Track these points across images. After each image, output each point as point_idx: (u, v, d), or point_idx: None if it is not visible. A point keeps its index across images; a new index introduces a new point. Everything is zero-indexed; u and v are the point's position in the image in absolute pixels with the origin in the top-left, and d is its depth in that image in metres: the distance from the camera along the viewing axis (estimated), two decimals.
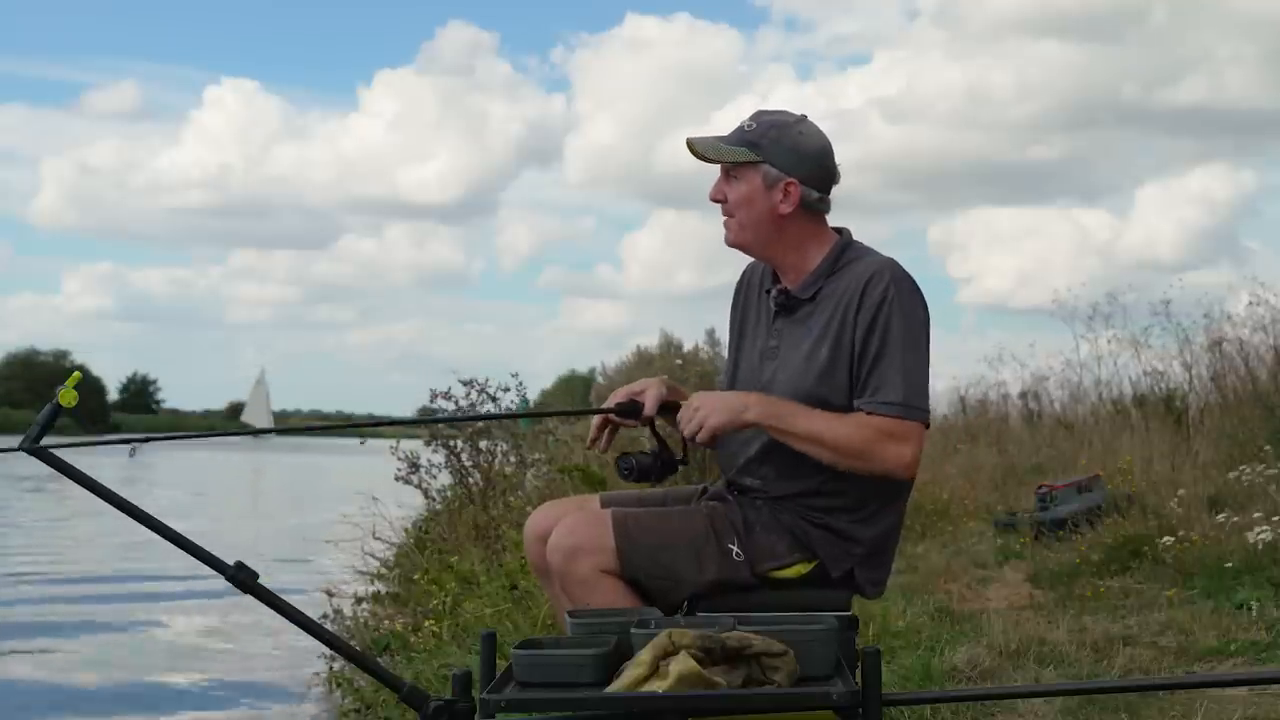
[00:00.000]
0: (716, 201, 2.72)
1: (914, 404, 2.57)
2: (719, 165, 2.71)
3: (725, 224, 2.73)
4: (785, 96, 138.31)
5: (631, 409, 2.75)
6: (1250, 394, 9.33)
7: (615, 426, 2.82)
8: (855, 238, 2.77)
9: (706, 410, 2.58)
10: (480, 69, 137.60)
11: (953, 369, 16.88)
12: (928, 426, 2.62)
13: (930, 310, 2.66)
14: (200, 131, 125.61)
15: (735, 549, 2.60)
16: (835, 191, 2.74)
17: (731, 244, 2.76)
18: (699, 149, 2.69)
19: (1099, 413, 11.86)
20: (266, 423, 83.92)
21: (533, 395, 9.19)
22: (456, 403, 7.46)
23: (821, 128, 2.74)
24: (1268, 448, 7.24)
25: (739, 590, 2.60)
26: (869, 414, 2.55)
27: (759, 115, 2.71)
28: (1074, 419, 12.40)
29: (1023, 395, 14.04)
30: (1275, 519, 5.77)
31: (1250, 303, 9.99)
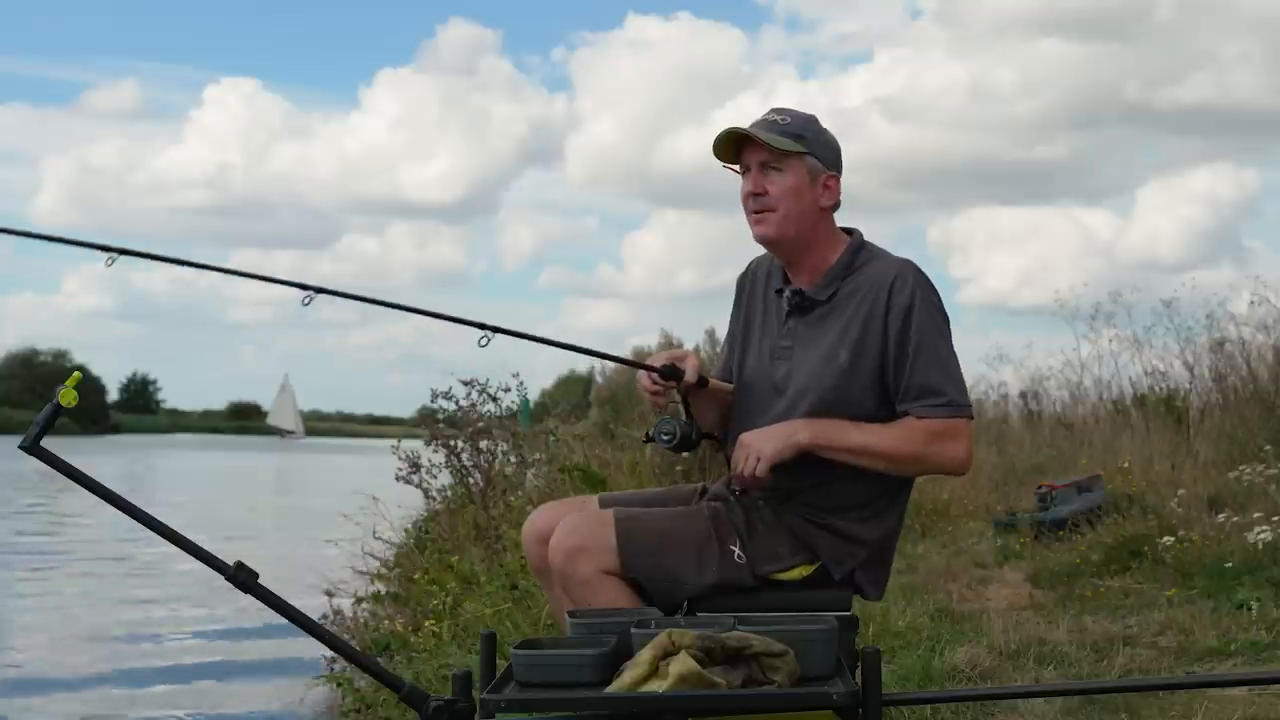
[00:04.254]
0: (757, 195, 2.64)
1: (959, 401, 2.58)
2: (748, 162, 2.65)
3: (763, 219, 2.65)
4: (787, 95, 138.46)
5: (674, 372, 2.71)
6: (1251, 394, 9.33)
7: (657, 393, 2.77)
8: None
9: (758, 445, 2.56)
10: (482, 68, 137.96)
11: None
12: (972, 419, 2.63)
13: None
14: (201, 131, 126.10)
15: (737, 551, 2.59)
16: None
17: (771, 238, 2.68)
18: (752, 133, 2.59)
19: (1099, 413, 11.87)
20: (294, 426, 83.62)
21: (533, 395, 9.20)
22: (457, 403, 7.46)
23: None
24: (1268, 448, 7.25)
25: (740, 592, 2.59)
26: (918, 417, 2.56)
27: (783, 111, 2.67)
28: (1074, 419, 12.40)
29: (1023, 395, 14.06)
30: (1275, 519, 5.77)
31: (1252, 302, 10.03)
